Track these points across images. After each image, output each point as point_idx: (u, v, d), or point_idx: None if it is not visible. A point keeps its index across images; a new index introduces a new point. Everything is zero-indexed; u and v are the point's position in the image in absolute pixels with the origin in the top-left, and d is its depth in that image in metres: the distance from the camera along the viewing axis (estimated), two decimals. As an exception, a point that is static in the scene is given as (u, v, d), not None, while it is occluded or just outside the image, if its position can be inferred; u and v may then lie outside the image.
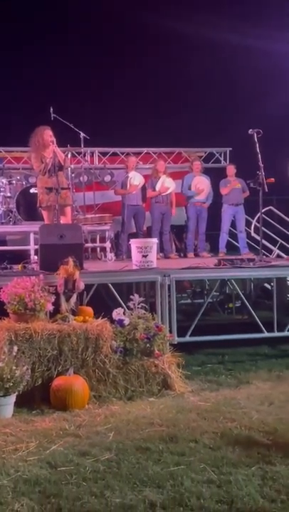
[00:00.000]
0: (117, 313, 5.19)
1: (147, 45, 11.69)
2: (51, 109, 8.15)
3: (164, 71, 11.53)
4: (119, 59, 11.29)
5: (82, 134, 8.83)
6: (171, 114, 11.72)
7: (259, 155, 6.57)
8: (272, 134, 7.32)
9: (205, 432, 3.92)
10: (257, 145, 6.49)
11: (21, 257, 8.21)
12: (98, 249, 8.93)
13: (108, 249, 8.42)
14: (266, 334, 6.15)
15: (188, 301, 9.51)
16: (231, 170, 9.28)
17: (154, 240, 6.51)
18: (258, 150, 6.50)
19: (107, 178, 10.10)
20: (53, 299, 5.03)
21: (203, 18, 10.71)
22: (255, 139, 6.53)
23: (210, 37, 10.69)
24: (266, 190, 6.56)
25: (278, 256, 9.59)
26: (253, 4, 10.78)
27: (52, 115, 8.12)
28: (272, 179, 7.06)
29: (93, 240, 9.01)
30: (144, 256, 6.03)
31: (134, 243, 6.28)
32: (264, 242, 8.70)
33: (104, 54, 11.23)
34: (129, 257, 7.61)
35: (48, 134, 6.76)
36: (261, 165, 6.57)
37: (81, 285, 5.24)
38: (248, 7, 10.83)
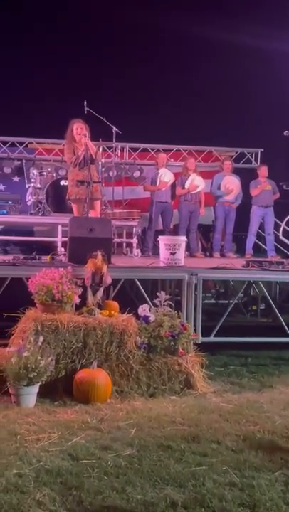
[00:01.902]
0: (143, 310, 5.18)
1: (182, 44, 11.63)
2: (85, 103, 8.16)
3: (199, 70, 11.44)
4: (155, 57, 11.25)
5: (114, 129, 8.82)
6: (203, 112, 11.62)
7: (293, 157, 6.47)
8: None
9: (227, 434, 3.89)
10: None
11: (48, 248, 8.27)
12: (124, 244, 8.93)
13: (134, 245, 8.41)
14: (291, 338, 6.07)
15: (212, 301, 9.46)
16: (264, 171, 9.18)
17: (183, 238, 6.48)
18: (292, 152, 6.41)
19: (136, 174, 10.10)
20: (79, 291, 5.05)
21: (240, 20, 10.64)
22: (291, 141, 6.45)
23: (245, 38, 10.59)
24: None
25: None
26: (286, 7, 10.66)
27: (86, 108, 8.12)
28: (306, 182, 6.96)
29: (120, 235, 9.00)
30: (172, 253, 6.01)
31: (162, 240, 6.26)
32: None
33: (141, 51, 11.19)
34: (155, 253, 7.60)
35: (80, 126, 6.78)
36: (295, 167, 6.48)
37: (108, 279, 5.24)
38: (281, 10, 10.71)
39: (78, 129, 6.73)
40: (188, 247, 8.72)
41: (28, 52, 10.64)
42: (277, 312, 6.32)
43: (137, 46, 11.36)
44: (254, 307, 9.07)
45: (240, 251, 9.52)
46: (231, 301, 8.20)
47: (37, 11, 10.76)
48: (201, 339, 5.64)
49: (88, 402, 4.50)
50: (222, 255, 9.16)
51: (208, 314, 7.68)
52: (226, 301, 9.00)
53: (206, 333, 5.88)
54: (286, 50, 10.74)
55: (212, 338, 5.83)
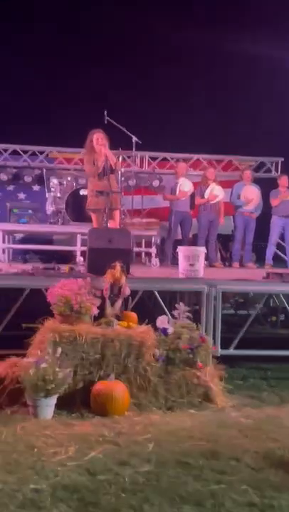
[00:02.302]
0: (162, 321, 5.14)
1: (201, 53, 11.64)
2: (105, 113, 8.19)
3: (219, 79, 11.43)
4: (176, 66, 11.26)
5: (134, 139, 8.84)
6: (223, 121, 11.59)
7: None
8: None
9: (247, 451, 3.82)
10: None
11: (67, 257, 8.31)
12: (143, 253, 8.92)
13: (153, 255, 8.39)
14: (313, 352, 5.97)
15: (231, 311, 9.36)
16: (284, 181, 9.09)
17: (202, 249, 6.43)
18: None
19: (156, 183, 10.11)
20: (98, 302, 5.03)
21: (261, 29, 10.61)
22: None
23: (265, 47, 10.56)
24: None
25: None
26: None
27: (105, 118, 8.16)
28: None
29: (138, 244, 8.99)
30: (191, 265, 5.96)
31: (181, 251, 6.22)
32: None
33: (161, 61, 11.22)
34: (174, 263, 7.56)
35: (99, 137, 6.79)
36: (317, 178, 6.39)
37: (127, 291, 5.22)
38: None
39: (98, 139, 6.74)
40: (207, 257, 8.67)
41: (48, 62, 10.73)
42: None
43: (157, 56, 11.39)
44: (274, 318, 8.95)
45: (260, 261, 9.43)
46: (250, 311, 8.14)
47: (59, 22, 10.86)
48: (220, 352, 5.57)
49: (106, 415, 4.46)
50: (241, 265, 9.09)
51: (227, 325, 7.59)
52: (245, 312, 8.90)
53: (225, 345, 5.81)
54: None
55: (231, 351, 5.76)
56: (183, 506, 3.03)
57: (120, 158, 8.82)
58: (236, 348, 5.84)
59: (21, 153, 10.41)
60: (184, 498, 3.12)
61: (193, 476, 3.40)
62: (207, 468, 3.51)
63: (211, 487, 3.27)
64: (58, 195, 8.67)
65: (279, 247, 9.47)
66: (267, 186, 9.61)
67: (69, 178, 8.96)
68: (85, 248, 6.27)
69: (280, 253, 9.65)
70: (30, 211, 8.91)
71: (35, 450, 3.73)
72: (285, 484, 3.32)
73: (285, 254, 9.39)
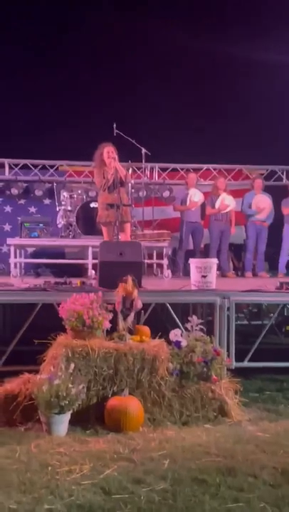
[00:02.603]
0: (175, 335, 5.08)
1: (208, 62, 11.67)
2: (114, 125, 8.21)
3: (227, 88, 11.43)
4: (184, 76, 11.29)
5: (143, 150, 8.85)
6: (233, 130, 11.57)
7: None
8: None
9: (265, 467, 3.74)
10: None
11: (79, 270, 8.31)
12: (155, 265, 8.89)
13: (165, 266, 8.36)
14: None
15: (245, 322, 9.28)
16: (295, 189, 9.05)
17: (214, 260, 6.37)
18: None
19: (166, 194, 10.10)
20: (110, 316, 4.99)
21: (269, 37, 10.60)
22: None
23: (274, 55, 10.55)
24: None
25: None
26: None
27: (115, 131, 8.17)
28: None
29: (150, 256, 8.97)
30: (204, 276, 5.91)
31: (193, 263, 6.17)
32: None
33: (166, 71, 11.27)
34: (186, 274, 7.52)
35: (109, 150, 6.80)
36: None
37: (139, 304, 5.18)
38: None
39: (109, 152, 6.75)
40: (219, 267, 8.62)
41: (57, 75, 10.80)
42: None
43: (164, 66, 11.43)
44: (288, 327, 8.85)
45: (273, 269, 9.37)
46: (265, 321, 8.06)
47: (64, 36, 10.95)
48: (234, 364, 5.50)
49: (120, 431, 4.41)
50: (254, 275, 9.03)
51: (241, 336, 7.52)
52: (259, 322, 8.82)
53: (239, 356, 5.74)
54: None
55: (246, 364, 5.69)
56: (200, 526, 2.97)
57: (130, 170, 8.83)
58: (251, 359, 5.76)
59: (31, 167, 10.47)
60: (201, 518, 3.06)
61: (210, 494, 3.33)
62: (224, 486, 3.44)
63: (228, 505, 3.20)
64: (69, 208, 8.69)
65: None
66: (278, 194, 9.56)
67: (79, 191, 8.99)
68: (96, 261, 6.25)
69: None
70: (41, 225, 8.93)
71: (50, 468, 3.68)
72: (305, 502, 3.25)
73: (298, 263, 9.32)
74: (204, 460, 3.86)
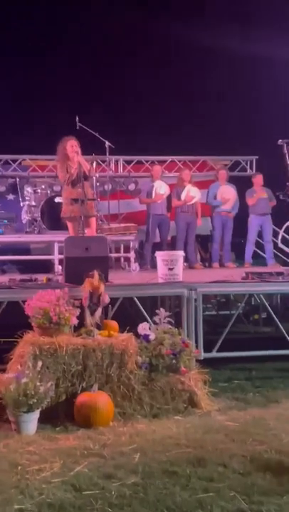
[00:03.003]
0: (143, 328, 5.09)
1: (172, 54, 11.64)
2: (77, 119, 8.13)
3: (189, 80, 11.44)
4: (144, 68, 11.24)
5: (107, 143, 8.79)
6: (197, 122, 11.60)
7: (289, 166, 6.42)
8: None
9: (234, 456, 3.78)
10: (287, 156, 6.35)
11: (45, 266, 8.22)
12: (122, 259, 8.87)
13: (132, 260, 8.34)
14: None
15: (213, 312, 9.37)
16: (259, 179, 9.14)
17: (180, 253, 6.39)
18: (288, 161, 6.35)
19: (132, 187, 10.05)
20: (77, 312, 4.96)
21: (228, 27, 10.62)
22: (285, 150, 6.39)
23: (236, 45, 10.58)
24: (295, 201, 6.42)
25: (305, 267, 9.40)
26: (279, 14, 10.63)
27: (77, 124, 8.09)
28: (302, 190, 6.89)
29: (117, 250, 8.94)
30: (170, 269, 5.92)
31: (159, 256, 6.18)
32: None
33: (130, 63, 11.19)
34: (154, 267, 7.52)
35: (72, 144, 6.72)
36: (291, 176, 6.42)
37: (106, 299, 5.16)
38: (274, 17, 10.69)
39: (72, 146, 6.67)
40: (186, 259, 8.66)
41: (18, 69, 10.62)
42: (279, 323, 6.22)
43: (127, 58, 11.36)
44: (256, 316, 8.97)
45: (240, 259, 9.46)
46: (232, 311, 8.14)
47: (25, 28, 10.77)
48: (203, 355, 5.54)
49: (90, 427, 4.39)
50: (221, 265, 9.10)
51: (210, 326, 7.59)
52: (227, 312, 8.91)
53: (208, 347, 5.78)
54: (280, 57, 10.72)
55: (214, 354, 5.73)
56: (171, 518, 2.98)
57: (94, 164, 8.75)
58: (219, 349, 5.81)
59: (-7, 162, 10.28)
60: (172, 510, 3.07)
61: (181, 486, 3.35)
62: (194, 477, 3.47)
63: (199, 496, 3.22)
64: (33, 203, 8.57)
65: (258, 244, 9.50)
66: (242, 185, 9.64)
67: (43, 186, 8.87)
68: (62, 256, 6.19)
69: (259, 251, 9.68)
70: (5, 221, 8.79)
71: (19, 468, 3.64)
72: (273, 488, 3.30)
73: (263, 252, 9.42)
74: (174, 452, 3.88)
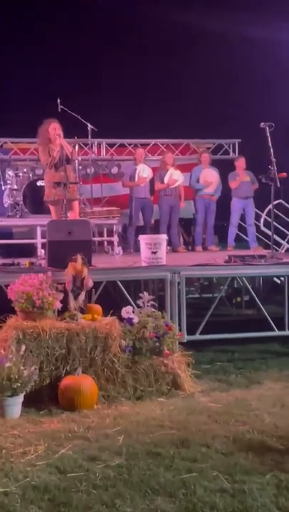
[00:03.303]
0: (126, 312, 5.11)
1: (154, 37, 11.53)
2: (58, 101, 8.03)
3: (172, 62, 11.35)
4: (127, 50, 11.12)
5: (89, 126, 8.71)
6: (179, 105, 11.55)
7: (271, 149, 6.42)
8: (279, 124, 7.14)
9: (217, 436, 3.84)
10: (269, 139, 6.34)
11: (28, 250, 8.16)
12: (105, 242, 8.84)
13: (115, 243, 8.33)
14: (277, 333, 6.05)
15: (196, 295, 9.42)
16: (241, 162, 9.13)
17: (164, 236, 6.40)
18: (270, 144, 6.36)
19: (114, 170, 9.99)
20: (61, 296, 4.95)
21: (213, 7, 10.53)
22: (268, 133, 6.38)
23: (219, 27, 10.51)
24: (278, 185, 6.43)
25: (287, 250, 9.48)
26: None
27: (59, 107, 8.00)
28: (285, 174, 6.91)
29: (100, 234, 8.91)
30: (154, 252, 5.93)
31: (143, 239, 6.17)
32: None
33: (112, 45, 11.07)
34: (137, 250, 7.52)
35: (54, 127, 6.64)
36: (273, 160, 6.43)
37: (90, 283, 5.15)
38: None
39: (55, 129, 6.59)
40: (169, 242, 8.66)
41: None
42: (261, 306, 6.29)
43: (109, 39, 11.23)
44: (238, 299, 9.04)
45: (222, 242, 9.49)
46: (215, 294, 8.19)
47: (5, 8, 10.56)
48: (186, 338, 5.58)
49: (74, 410, 4.42)
50: (204, 249, 9.13)
51: (193, 309, 7.63)
52: (210, 295, 8.97)
53: (191, 329, 5.83)
54: (263, 40, 10.68)
55: (197, 336, 5.78)
56: (155, 498, 3.02)
57: (76, 147, 8.68)
58: (202, 332, 5.86)
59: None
60: (156, 490, 3.11)
61: (165, 467, 3.40)
62: (178, 458, 3.52)
63: (182, 476, 3.27)
64: (15, 187, 8.49)
65: (240, 228, 9.54)
66: (225, 168, 9.64)
67: (25, 170, 8.77)
68: (45, 240, 6.15)
69: (241, 234, 9.72)
70: (-13, 205, 8.71)
71: (4, 451, 3.66)
72: (255, 467, 3.36)
73: (246, 235, 9.47)
74: (158, 433, 3.93)
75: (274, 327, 6.01)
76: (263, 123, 6.44)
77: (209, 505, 2.93)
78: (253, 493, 3.03)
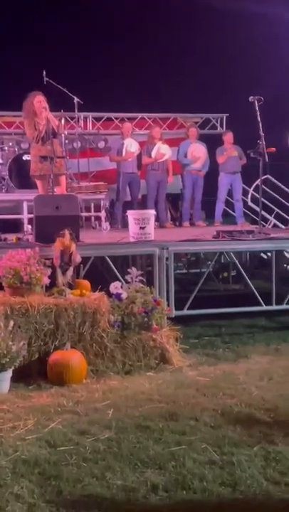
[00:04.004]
0: (115, 287, 5.10)
1: (141, 9, 11.30)
2: (44, 73, 7.87)
3: (161, 35, 11.17)
4: (113, 22, 10.91)
5: (75, 99, 8.57)
6: (166, 78, 11.40)
7: (260, 123, 6.37)
8: (268, 99, 7.09)
9: (205, 409, 3.89)
10: (258, 113, 6.29)
11: (14, 225, 8.08)
12: (93, 218, 8.79)
13: (103, 219, 8.28)
14: (264, 307, 6.09)
15: (184, 271, 9.45)
16: (229, 137, 9.07)
17: (152, 212, 6.37)
18: (258, 118, 6.30)
19: (101, 145, 9.86)
20: (49, 272, 4.92)
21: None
22: (256, 107, 6.32)
23: (207, 0, 10.34)
24: (267, 160, 6.40)
25: (274, 225, 9.50)
26: None
27: (45, 79, 7.84)
28: (273, 148, 6.88)
29: (87, 209, 8.83)
30: (142, 228, 5.90)
31: (131, 215, 6.14)
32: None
33: (98, 17, 10.84)
34: (124, 226, 7.49)
35: (39, 99, 6.52)
36: (262, 134, 6.38)
37: (78, 258, 5.13)
38: None
39: (41, 102, 6.47)
40: (157, 218, 8.62)
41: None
42: (248, 280, 6.32)
43: (95, 11, 10.99)
44: (225, 274, 9.07)
45: (210, 217, 9.47)
46: (203, 269, 8.22)
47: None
48: (174, 313, 5.60)
49: (63, 384, 4.43)
50: (192, 224, 9.12)
51: (181, 284, 7.65)
52: (198, 270, 9.00)
53: (179, 305, 5.84)
54: (251, 13, 10.53)
55: (186, 312, 5.80)
56: (145, 471, 3.06)
57: (63, 121, 8.54)
58: (190, 307, 5.88)
59: None
60: (145, 463, 3.15)
61: (154, 440, 3.43)
62: (167, 431, 3.55)
63: (171, 449, 3.31)
64: (0, 161, 8.36)
65: (227, 203, 9.52)
66: (213, 143, 9.56)
67: (10, 144, 8.62)
68: (32, 215, 6.09)
69: (228, 210, 9.71)
70: (-28, 180, 8.57)
71: (-7, 426, 3.67)
72: (243, 440, 3.41)
73: (233, 211, 9.46)
74: (147, 407, 3.96)
75: (261, 302, 6.05)
76: (251, 97, 6.37)
77: (198, 476, 2.97)
78: (241, 465, 3.08)
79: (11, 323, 4.54)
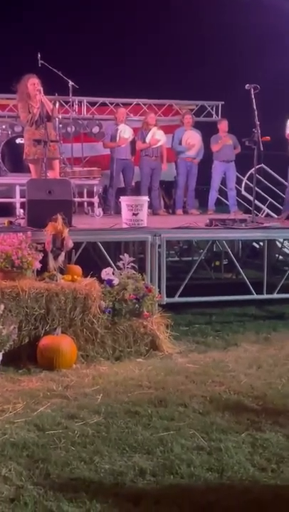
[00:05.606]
0: (106, 273, 5.09)
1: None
2: (39, 56, 7.77)
3: (158, 21, 11.06)
4: (111, 5, 10.77)
5: (70, 83, 8.48)
6: (163, 64, 11.31)
7: (256, 112, 6.34)
8: (265, 87, 7.05)
9: (194, 396, 3.91)
10: (254, 101, 6.25)
11: (6, 209, 8.03)
12: (85, 203, 8.74)
13: (96, 205, 8.24)
14: (255, 296, 6.11)
15: (176, 258, 9.45)
16: (224, 125, 9.03)
17: (145, 198, 6.34)
18: (254, 107, 6.27)
19: (96, 130, 9.77)
20: (40, 256, 4.91)
21: None
22: (252, 95, 6.29)
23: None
24: (262, 149, 6.38)
25: (267, 215, 9.51)
26: None
27: (39, 62, 7.75)
28: (268, 137, 6.85)
29: (80, 194, 8.78)
30: (135, 214, 5.88)
31: (124, 201, 6.11)
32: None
33: (96, 3, 10.71)
34: (117, 212, 7.46)
35: (33, 82, 6.45)
36: (257, 122, 6.35)
37: (70, 243, 5.11)
38: None
39: (35, 84, 6.40)
40: (150, 205, 8.59)
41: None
42: (240, 269, 6.33)
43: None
44: (217, 263, 9.09)
45: (203, 205, 9.46)
46: (195, 257, 8.23)
47: None
48: (165, 300, 5.60)
49: (53, 369, 4.44)
50: (185, 212, 9.09)
51: (172, 272, 7.65)
52: (190, 258, 9.01)
53: (170, 292, 5.84)
54: (249, 1, 10.44)
55: (177, 299, 5.80)
56: (133, 455, 3.08)
57: (57, 105, 8.46)
58: (181, 295, 5.88)
59: None
60: (133, 448, 3.16)
61: (143, 425, 3.45)
62: (156, 416, 3.57)
63: (160, 434, 3.33)
64: (-7, 144, 8.28)
65: (221, 192, 9.51)
66: (208, 130, 9.51)
67: (4, 126, 8.53)
68: (24, 200, 6.05)
69: (222, 198, 9.70)
70: None
71: (-18, 409, 3.67)
72: (231, 426, 3.43)
73: (226, 199, 9.45)
74: (137, 393, 3.97)
75: (252, 291, 6.07)
76: (248, 85, 6.34)
77: (186, 462, 2.99)
78: (228, 451, 3.10)
79: (2, 307, 4.53)
